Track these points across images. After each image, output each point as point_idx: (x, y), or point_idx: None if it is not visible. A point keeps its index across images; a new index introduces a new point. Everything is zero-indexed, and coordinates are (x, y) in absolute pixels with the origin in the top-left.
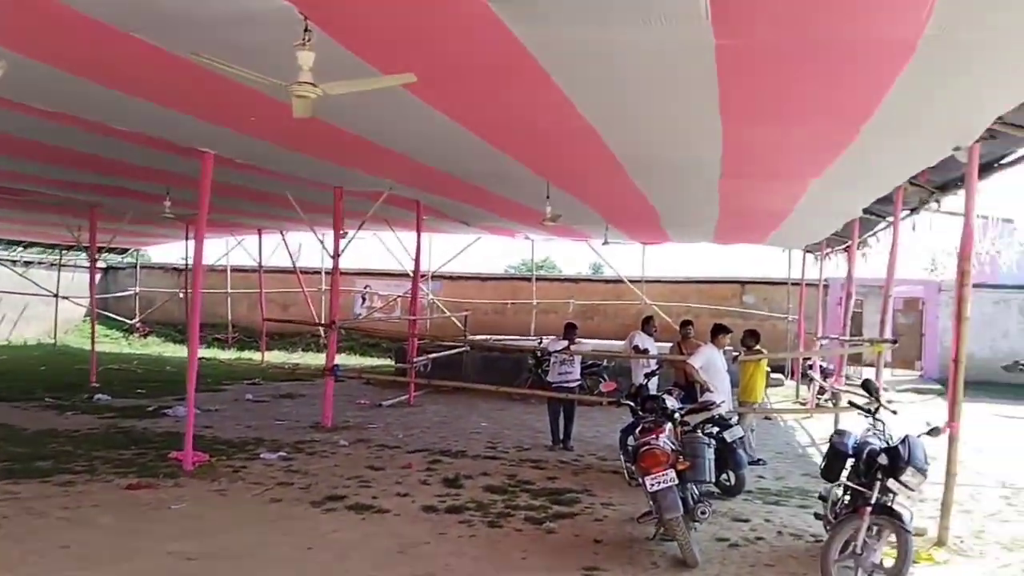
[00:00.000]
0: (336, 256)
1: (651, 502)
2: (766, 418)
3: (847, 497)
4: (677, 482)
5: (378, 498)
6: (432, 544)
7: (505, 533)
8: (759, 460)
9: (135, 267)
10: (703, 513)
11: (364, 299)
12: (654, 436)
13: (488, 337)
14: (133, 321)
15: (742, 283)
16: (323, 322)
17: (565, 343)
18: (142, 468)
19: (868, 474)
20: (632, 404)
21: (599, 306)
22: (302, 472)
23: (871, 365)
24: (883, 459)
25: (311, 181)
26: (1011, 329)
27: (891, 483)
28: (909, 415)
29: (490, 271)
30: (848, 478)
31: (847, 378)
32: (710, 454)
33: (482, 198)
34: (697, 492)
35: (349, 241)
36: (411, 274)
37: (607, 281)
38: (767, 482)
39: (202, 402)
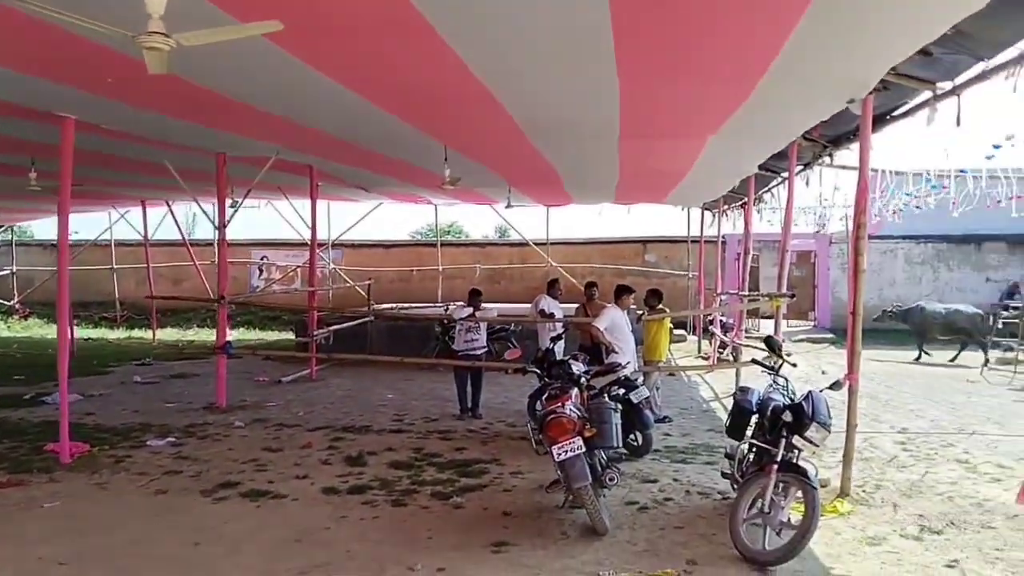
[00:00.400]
0: (222, 227)
1: (559, 471)
2: (670, 374)
3: (753, 455)
4: (584, 450)
5: (275, 482)
6: (332, 529)
7: (411, 512)
8: (665, 417)
9: (10, 245)
10: (611, 479)
11: (261, 271)
12: (560, 404)
13: (394, 306)
14: (11, 302)
15: (644, 242)
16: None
17: (470, 310)
18: (14, 463)
19: (773, 431)
20: (538, 371)
21: (505, 270)
22: (192, 458)
23: (769, 317)
24: (787, 416)
25: (190, 147)
26: (898, 278)
27: (796, 440)
28: (805, 364)
29: (394, 238)
30: (753, 435)
31: (746, 331)
32: (617, 419)
33: (377, 162)
34: (605, 458)
35: (236, 210)
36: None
37: (513, 244)
38: (674, 439)
39: (85, 387)
